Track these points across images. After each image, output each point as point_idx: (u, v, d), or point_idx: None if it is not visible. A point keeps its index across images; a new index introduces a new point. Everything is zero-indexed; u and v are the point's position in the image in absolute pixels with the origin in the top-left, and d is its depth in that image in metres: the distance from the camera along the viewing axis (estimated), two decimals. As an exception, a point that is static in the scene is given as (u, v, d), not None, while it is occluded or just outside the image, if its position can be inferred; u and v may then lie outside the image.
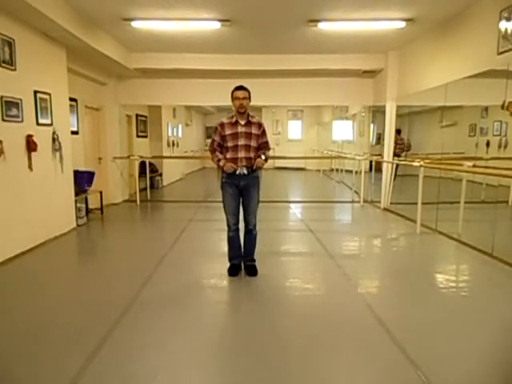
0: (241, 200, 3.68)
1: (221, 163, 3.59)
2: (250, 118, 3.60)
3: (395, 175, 8.42)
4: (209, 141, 20.12)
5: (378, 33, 5.84)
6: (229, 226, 3.72)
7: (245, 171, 3.57)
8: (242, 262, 3.83)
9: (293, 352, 2.44)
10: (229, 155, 3.58)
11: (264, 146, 3.68)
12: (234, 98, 3.56)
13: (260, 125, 3.63)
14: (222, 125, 3.59)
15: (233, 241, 3.76)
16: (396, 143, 7.88)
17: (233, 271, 3.75)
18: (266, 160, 3.64)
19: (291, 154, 13.93)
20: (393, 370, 2.24)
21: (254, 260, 3.81)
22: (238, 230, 3.74)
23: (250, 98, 3.59)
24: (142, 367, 2.24)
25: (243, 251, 3.81)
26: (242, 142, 3.55)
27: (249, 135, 3.56)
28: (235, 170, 3.55)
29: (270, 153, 3.85)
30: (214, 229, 5.65)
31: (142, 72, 7.66)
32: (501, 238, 4.35)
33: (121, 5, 4.79)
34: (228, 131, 3.56)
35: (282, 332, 2.69)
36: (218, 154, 3.64)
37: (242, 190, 3.63)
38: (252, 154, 3.58)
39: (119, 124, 7.88)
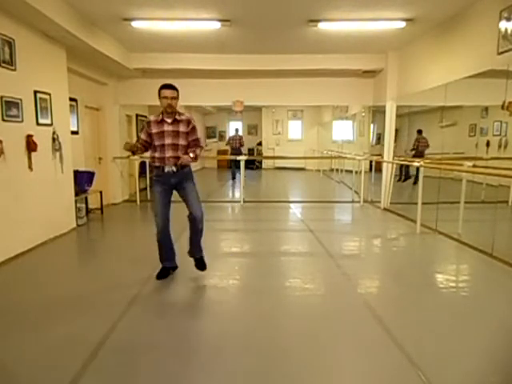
0: (173, 197, 3.55)
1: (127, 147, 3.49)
2: (176, 116, 3.45)
3: (406, 176, 8.48)
4: (209, 141, 19.84)
5: (378, 33, 5.83)
6: (156, 226, 3.50)
7: (173, 169, 3.44)
8: (193, 254, 3.65)
9: (293, 352, 2.44)
10: (157, 154, 3.44)
11: (194, 144, 3.51)
12: (161, 97, 3.41)
13: (189, 122, 3.48)
14: (148, 123, 3.47)
15: (162, 242, 3.56)
16: (419, 142, 8.09)
17: (163, 274, 3.62)
18: (195, 158, 3.46)
19: (291, 154, 13.93)
20: (393, 369, 2.24)
21: (201, 251, 3.66)
22: (166, 231, 3.54)
23: (178, 96, 3.45)
24: (142, 367, 2.24)
25: (190, 244, 3.63)
26: (168, 140, 3.41)
27: (176, 133, 3.42)
28: (164, 168, 3.41)
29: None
30: (215, 229, 5.64)
31: (142, 72, 7.67)
32: (501, 238, 4.35)
33: (121, 5, 4.79)
34: (154, 129, 3.43)
35: (282, 332, 2.69)
36: (139, 146, 3.50)
37: (175, 186, 3.51)
38: (180, 153, 3.43)
39: (119, 124, 7.88)
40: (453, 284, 3.67)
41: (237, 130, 12.78)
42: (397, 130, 7.53)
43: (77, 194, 5.80)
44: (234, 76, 7.63)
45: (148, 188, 8.61)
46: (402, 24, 5.37)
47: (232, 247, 4.81)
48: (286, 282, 3.64)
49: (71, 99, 5.83)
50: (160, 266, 3.65)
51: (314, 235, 5.33)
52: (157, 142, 3.43)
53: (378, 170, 8.04)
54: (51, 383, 2.12)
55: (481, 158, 5.96)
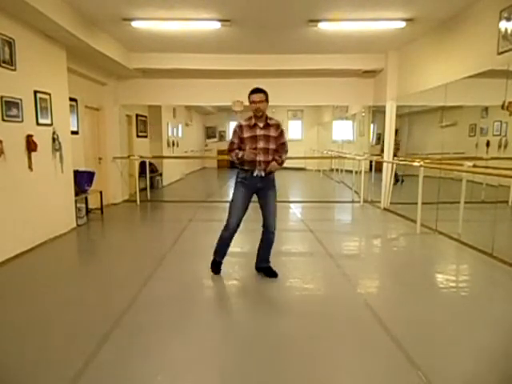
0: (257, 203, 3.64)
1: (242, 155, 3.45)
2: (268, 121, 3.52)
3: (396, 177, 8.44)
4: (209, 141, 19.92)
5: (378, 33, 5.83)
6: (228, 225, 3.61)
7: (262, 173, 3.51)
8: (260, 265, 3.77)
9: (293, 352, 2.44)
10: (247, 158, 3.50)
11: (281, 148, 3.63)
12: (250, 102, 3.47)
13: (278, 126, 3.59)
14: (240, 127, 3.49)
15: (225, 240, 3.69)
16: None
17: (216, 268, 3.75)
18: (281, 163, 3.62)
19: (291, 154, 13.91)
20: (393, 369, 2.25)
21: (269, 262, 3.77)
22: (234, 232, 3.64)
23: (267, 100, 3.49)
24: (142, 367, 2.24)
25: (261, 255, 3.75)
26: (260, 145, 3.46)
27: (267, 138, 3.49)
28: (253, 171, 3.49)
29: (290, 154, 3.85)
30: (215, 229, 5.59)
31: (142, 72, 7.66)
32: (501, 238, 4.35)
33: (121, 5, 4.79)
34: (246, 134, 3.47)
35: (281, 332, 2.69)
36: (236, 151, 3.50)
37: (257, 192, 3.58)
38: (271, 157, 3.51)
39: (119, 124, 7.88)
40: (453, 284, 3.67)
41: None
42: (397, 130, 7.53)
43: (77, 194, 5.80)
44: (234, 76, 7.63)
45: (148, 188, 8.63)
46: (402, 24, 5.37)
47: (232, 247, 4.79)
48: (287, 281, 3.64)
49: (71, 99, 5.83)
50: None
51: (314, 235, 5.33)
52: (248, 146, 3.45)
53: (378, 169, 8.04)
54: (52, 381, 2.12)
55: (481, 158, 5.95)
